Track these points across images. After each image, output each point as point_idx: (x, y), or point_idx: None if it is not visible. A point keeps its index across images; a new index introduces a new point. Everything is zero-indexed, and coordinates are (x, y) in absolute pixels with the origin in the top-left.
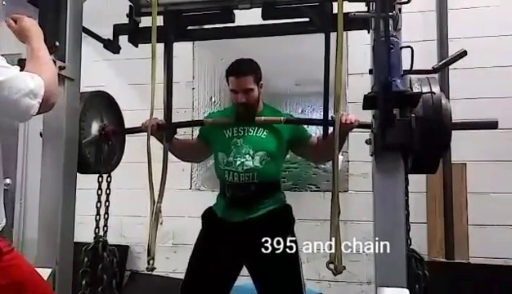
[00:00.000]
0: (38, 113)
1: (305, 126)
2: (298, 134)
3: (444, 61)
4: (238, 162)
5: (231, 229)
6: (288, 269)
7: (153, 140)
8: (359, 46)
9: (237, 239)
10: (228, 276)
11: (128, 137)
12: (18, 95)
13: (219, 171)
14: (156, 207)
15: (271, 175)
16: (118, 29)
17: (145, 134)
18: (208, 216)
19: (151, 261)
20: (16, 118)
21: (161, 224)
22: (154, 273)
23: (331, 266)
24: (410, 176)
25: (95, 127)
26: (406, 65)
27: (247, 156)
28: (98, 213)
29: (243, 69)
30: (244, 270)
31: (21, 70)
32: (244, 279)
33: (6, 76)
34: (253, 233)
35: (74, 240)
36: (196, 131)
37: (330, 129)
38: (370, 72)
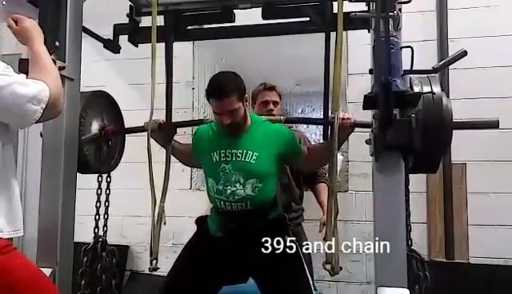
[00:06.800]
0: (41, 120)
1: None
2: (290, 148)
3: (444, 61)
4: (229, 191)
5: (224, 242)
6: (291, 266)
7: (153, 141)
8: (359, 46)
9: (230, 250)
10: (213, 283)
11: (127, 137)
12: (21, 101)
13: (210, 197)
14: (160, 207)
15: (266, 199)
16: (118, 29)
17: (146, 134)
18: (201, 227)
19: (154, 261)
20: (18, 123)
21: (165, 224)
22: (154, 273)
23: (328, 267)
24: (410, 176)
25: (95, 127)
26: (406, 65)
27: (237, 184)
28: (98, 213)
29: (225, 90)
30: None
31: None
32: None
33: (7, 81)
34: (249, 243)
35: (74, 240)
36: None
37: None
38: (370, 72)
